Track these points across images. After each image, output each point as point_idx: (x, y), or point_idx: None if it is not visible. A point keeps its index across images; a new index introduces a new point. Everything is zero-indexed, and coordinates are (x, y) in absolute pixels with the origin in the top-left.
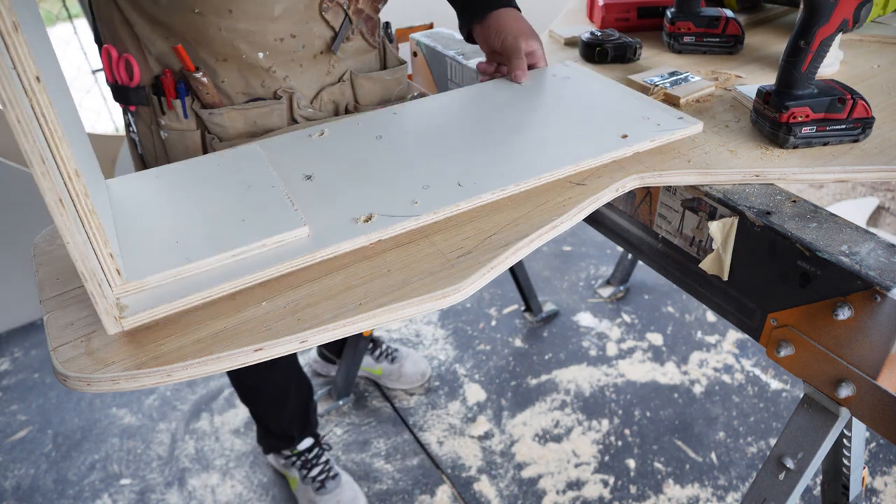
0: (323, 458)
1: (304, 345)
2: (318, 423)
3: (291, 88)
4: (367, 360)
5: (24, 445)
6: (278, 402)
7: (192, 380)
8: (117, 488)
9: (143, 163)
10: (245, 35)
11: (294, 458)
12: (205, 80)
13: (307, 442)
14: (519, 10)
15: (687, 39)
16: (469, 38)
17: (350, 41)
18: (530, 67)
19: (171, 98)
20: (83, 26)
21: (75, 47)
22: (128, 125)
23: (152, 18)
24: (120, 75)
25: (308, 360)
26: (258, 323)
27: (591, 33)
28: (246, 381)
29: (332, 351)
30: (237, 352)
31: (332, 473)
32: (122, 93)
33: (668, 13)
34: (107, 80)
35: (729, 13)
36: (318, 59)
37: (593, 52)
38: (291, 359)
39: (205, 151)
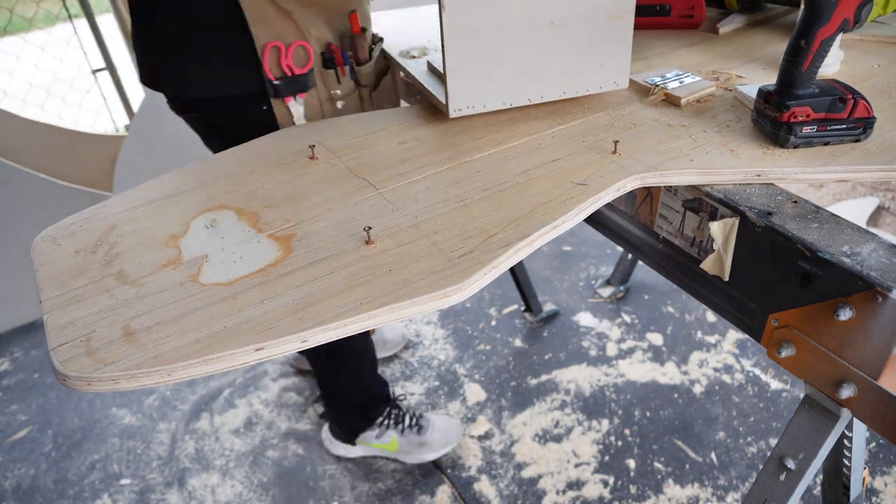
0: (405, 406)
1: (305, 344)
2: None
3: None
4: None
5: (24, 445)
6: (374, 358)
7: (192, 380)
8: (117, 488)
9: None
10: None
11: (387, 420)
12: (369, 35)
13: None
14: None
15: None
16: None
17: None
18: None
19: (342, 66)
20: (83, 26)
21: (75, 47)
22: (293, 118)
23: (305, 0)
24: (292, 66)
25: (287, 358)
26: (259, 322)
27: None
28: (357, 347)
29: None
30: (238, 351)
31: (419, 414)
32: (295, 83)
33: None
34: (270, 80)
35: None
36: None
37: None
38: (366, 338)
39: (362, 108)
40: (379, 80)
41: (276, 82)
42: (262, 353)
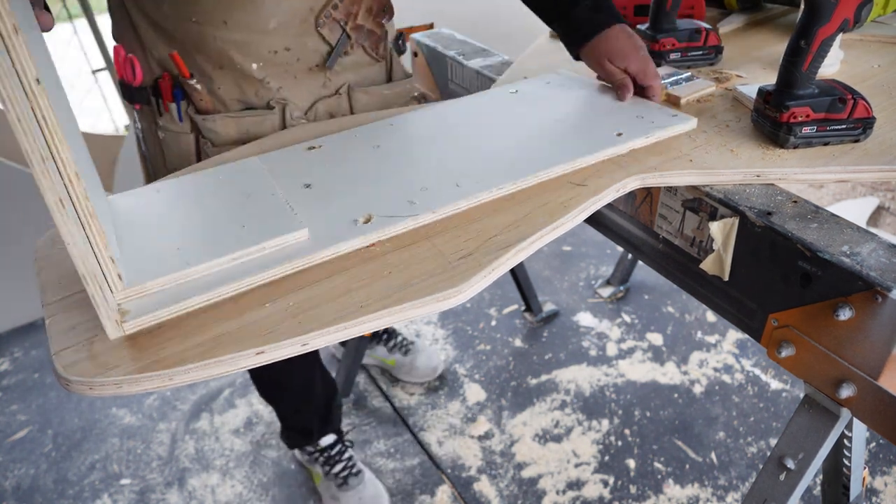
0: (346, 455)
1: (306, 347)
2: (341, 420)
3: (285, 99)
4: (381, 351)
5: (24, 445)
6: (300, 397)
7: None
8: (117, 488)
9: (145, 159)
10: (239, 46)
11: (317, 454)
12: (198, 87)
13: (329, 438)
14: (626, 23)
15: (673, 56)
16: (577, 58)
17: (349, 55)
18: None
19: (167, 101)
20: (83, 26)
21: (75, 47)
22: (133, 121)
23: (154, 23)
24: (126, 74)
25: (330, 351)
26: (260, 326)
27: None
28: (265, 376)
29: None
30: (238, 355)
31: (354, 470)
32: (127, 90)
33: (644, 30)
34: (116, 77)
35: (706, 24)
36: (313, 72)
37: None
38: (313, 355)
39: (198, 154)
40: (238, 145)
41: (119, 80)
42: (263, 356)
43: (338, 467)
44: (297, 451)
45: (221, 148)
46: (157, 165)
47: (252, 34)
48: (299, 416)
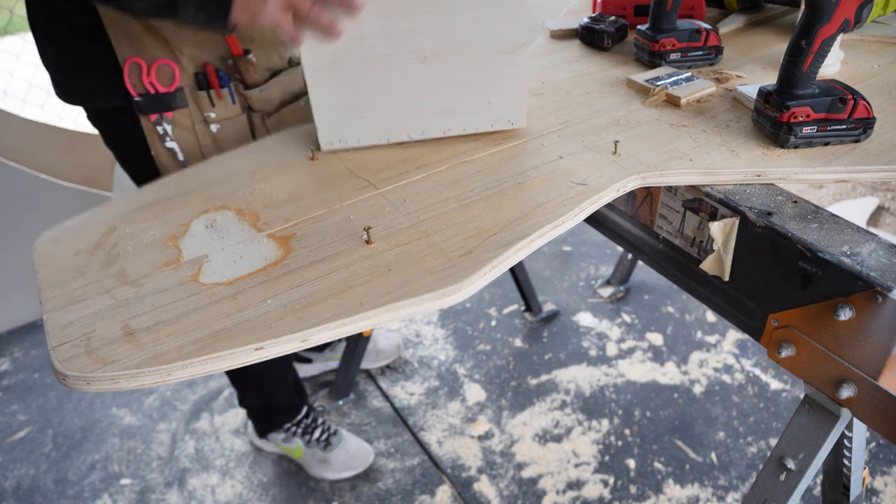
0: (320, 420)
1: (305, 344)
2: (307, 393)
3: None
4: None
5: (24, 445)
6: (280, 376)
7: (191, 380)
8: (117, 488)
9: (182, 166)
10: None
11: (295, 428)
12: (253, 59)
13: (303, 410)
14: None
15: (673, 56)
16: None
17: None
18: None
19: (219, 88)
20: None
21: None
22: (163, 136)
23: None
24: (155, 84)
25: None
26: (258, 322)
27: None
28: (247, 368)
29: (315, 347)
30: (237, 351)
31: (332, 430)
32: (158, 101)
33: (644, 31)
34: (131, 97)
35: (706, 25)
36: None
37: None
38: None
39: (252, 133)
40: (283, 106)
41: (137, 98)
42: (262, 352)
43: (317, 433)
44: (270, 436)
45: (276, 117)
46: None
47: None
48: (282, 393)
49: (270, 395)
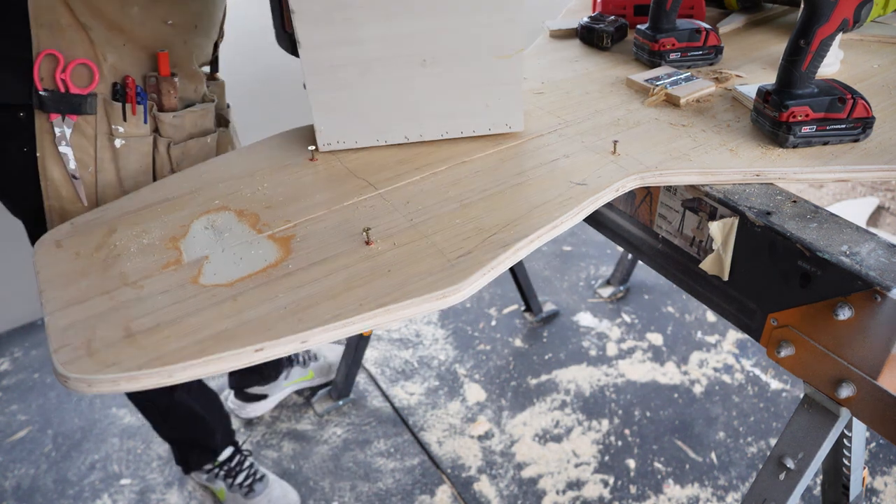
0: (247, 464)
1: (305, 345)
2: (234, 432)
3: (213, 93)
4: (298, 372)
5: (24, 445)
6: (198, 416)
7: (192, 380)
8: (117, 488)
9: (72, 179)
10: (200, 48)
11: (217, 470)
12: (177, 82)
13: (228, 451)
14: None
15: (673, 56)
16: None
17: None
18: None
19: (134, 104)
20: None
21: None
22: (56, 139)
23: (113, 24)
24: (68, 82)
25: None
26: (259, 323)
27: (590, 17)
28: (159, 402)
29: (264, 376)
30: (238, 352)
31: (258, 476)
32: (67, 101)
33: (643, 30)
34: (37, 89)
35: (706, 24)
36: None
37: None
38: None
39: (153, 158)
40: (189, 139)
41: (42, 92)
42: (262, 353)
43: (240, 477)
44: (194, 475)
45: (181, 146)
46: (104, 181)
47: (207, 38)
48: (205, 434)
49: (185, 433)
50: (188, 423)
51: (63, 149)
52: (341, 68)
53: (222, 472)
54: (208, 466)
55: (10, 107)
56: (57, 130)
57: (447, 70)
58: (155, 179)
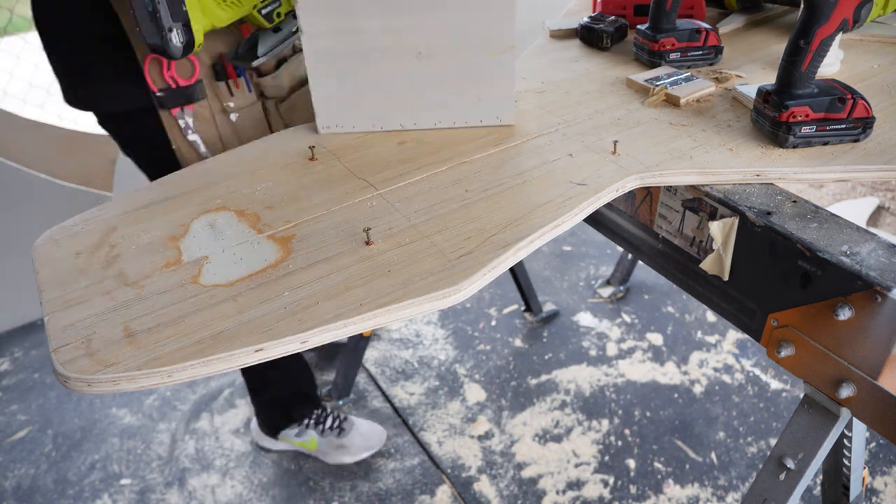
0: (328, 410)
1: (305, 345)
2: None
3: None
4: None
5: (24, 445)
6: (301, 369)
7: (192, 380)
8: (117, 488)
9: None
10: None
11: (309, 420)
12: None
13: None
14: None
15: (673, 56)
16: None
17: None
18: None
19: (235, 78)
20: None
21: None
22: (184, 130)
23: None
24: (175, 78)
25: None
26: (259, 324)
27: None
28: (268, 363)
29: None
30: (238, 352)
31: (343, 417)
32: (180, 94)
33: (643, 30)
34: (153, 91)
35: (706, 24)
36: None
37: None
38: None
39: (267, 120)
40: (293, 92)
41: (159, 94)
42: (262, 353)
43: (329, 421)
44: (282, 434)
45: (288, 102)
46: None
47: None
48: (310, 384)
49: (292, 388)
50: (302, 374)
51: (191, 136)
52: (341, 56)
53: (312, 422)
54: (308, 420)
55: (140, 110)
56: (181, 122)
57: (441, 63)
58: None
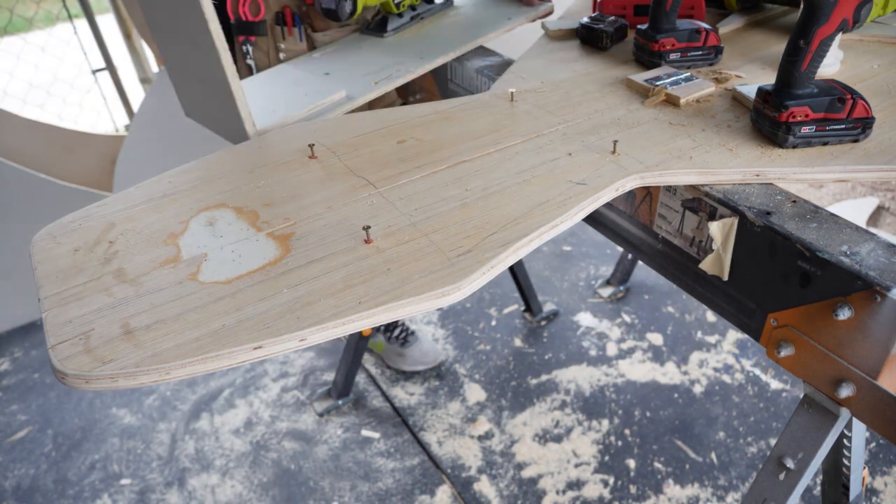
0: (399, 321)
1: (304, 343)
2: None
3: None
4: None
5: (24, 445)
6: None
7: (191, 379)
8: (117, 488)
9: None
10: None
11: (381, 326)
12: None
13: None
14: None
15: (673, 56)
16: None
17: None
18: None
19: (291, 27)
20: (83, 26)
21: (75, 47)
22: (245, 54)
23: None
24: (246, 13)
25: None
26: (257, 321)
27: (590, 17)
28: None
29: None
30: (236, 349)
31: (410, 330)
32: (247, 26)
33: (643, 31)
34: (230, 19)
35: (705, 25)
36: None
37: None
38: None
39: None
40: None
41: (233, 22)
42: (261, 351)
43: (396, 330)
44: None
45: None
46: None
47: None
48: None
49: None
50: None
51: (249, 60)
52: None
53: (383, 328)
54: (381, 325)
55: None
56: (244, 48)
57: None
58: None
